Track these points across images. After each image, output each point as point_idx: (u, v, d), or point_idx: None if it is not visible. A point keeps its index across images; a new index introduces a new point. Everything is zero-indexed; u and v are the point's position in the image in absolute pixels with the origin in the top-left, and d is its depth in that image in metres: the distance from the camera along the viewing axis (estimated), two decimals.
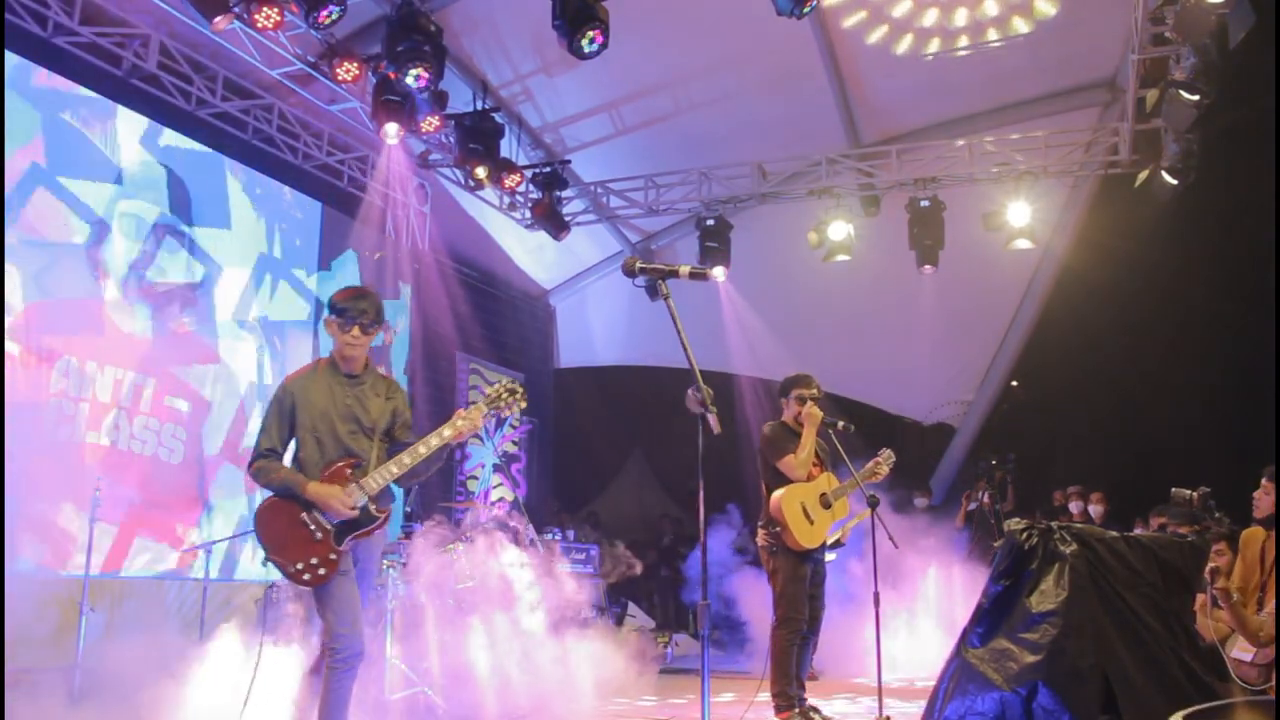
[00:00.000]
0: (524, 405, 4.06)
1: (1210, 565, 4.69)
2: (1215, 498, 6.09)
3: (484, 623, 6.18)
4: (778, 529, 5.33)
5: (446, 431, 3.89)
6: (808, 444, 5.43)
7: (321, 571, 3.75)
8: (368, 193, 9.85)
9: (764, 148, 10.33)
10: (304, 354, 8.93)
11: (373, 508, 3.87)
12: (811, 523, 5.38)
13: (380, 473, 3.88)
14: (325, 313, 4.05)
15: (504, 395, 4.02)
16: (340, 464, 3.89)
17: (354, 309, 3.95)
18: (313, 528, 3.80)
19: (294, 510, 3.82)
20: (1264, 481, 5.18)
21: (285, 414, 3.95)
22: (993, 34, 9.29)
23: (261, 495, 3.98)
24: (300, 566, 3.74)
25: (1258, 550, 5.06)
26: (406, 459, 3.89)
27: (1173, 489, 6.17)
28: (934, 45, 9.46)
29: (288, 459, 3.98)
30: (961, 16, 9.16)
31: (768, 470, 5.51)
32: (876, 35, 9.40)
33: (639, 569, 10.03)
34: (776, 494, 5.36)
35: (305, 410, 3.94)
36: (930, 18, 9.20)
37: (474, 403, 4.03)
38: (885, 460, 5.70)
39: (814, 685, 6.86)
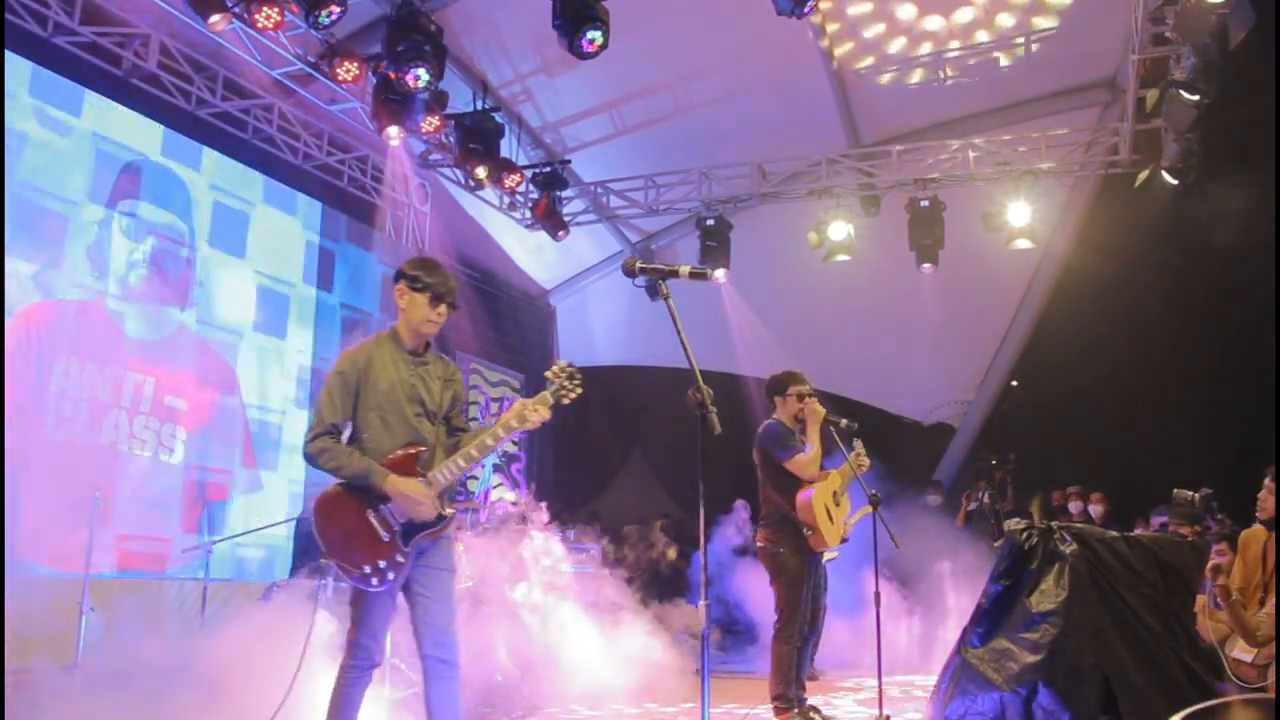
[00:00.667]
0: (580, 391, 3.66)
1: (1212, 563, 4.68)
2: (1216, 498, 6.09)
3: (488, 621, 6.17)
4: (809, 531, 5.29)
5: (513, 423, 3.56)
6: (815, 441, 5.39)
7: (391, 576, 3.45)
8: (368, 193, 9.86)
9: (764, 148, 10.33)
10: (304, 353, 8.94)
11: (442, 505, 3.55)
12: (832, 521, 5.39)
13: (449, 466, 3.56)
14: (399, 281, 3.67)
15: (565, 384, 3.64)
16: (406, 452, 3.55)
17: (443, 285, 3.64)
18: (379, 527, 3.48)
19: (357, 505, 3.49)
20: (1266, 482, 5.17)
21: (350, 390, 3.57)
22: (1019, 40, 9.34)
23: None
24: (369, 570, 3.43)
25: (1259, 551, 5.04)
26: (474, 452, 3.56)
27: (1175, 489, 6.17)
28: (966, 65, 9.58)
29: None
30: (982, 35, 9.24)
31: (773, 470, 5.45)
32: (916, 77, 9.52)
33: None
34: (804, 496, 5.29)
35: (372, 388, 3.57)
36: (954, 51, 9.30)
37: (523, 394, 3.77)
38: (862, 451, 5.64)
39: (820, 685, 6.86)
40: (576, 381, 3.64)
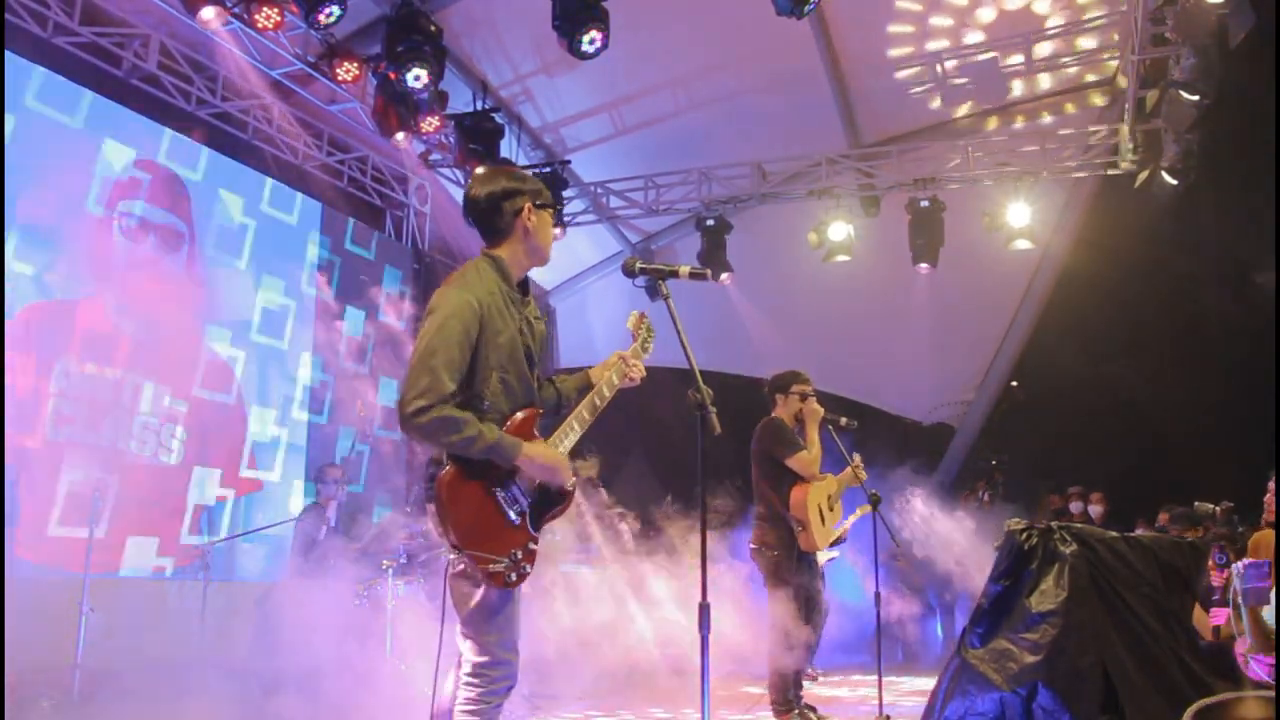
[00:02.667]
0: (654, 333, 3.37)
1: (1247, 561, 4.65)
2: (1215, 497, 6.07)
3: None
4: (800, 528, 5.30)
5: (615, 379, 3.15)
6: (816, 441, 5.42)
7: (528, 568, 2.82)
8: (368, 193, 9.86)
9: (764, 148, 10.32)
10: (303, 354, 8.93)
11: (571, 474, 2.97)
12: (824, 523, 5.39)
13: (565, 433, 3.00)
14: (516, 199, 2.98)
15: (647, 333, 3.34)
16: (524, 416, 2.91)
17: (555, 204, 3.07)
18: (508, 508, 2.83)
19: (482, 482, 2.80)
20: (1271, 485, 5.17)
21: (470, 343, 2.79)
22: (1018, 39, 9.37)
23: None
24: (507, 563, 2.77)
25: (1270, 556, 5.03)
26: (586, 414, 3.05)
27: (1195, 503, 6.12)
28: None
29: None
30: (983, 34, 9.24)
31: (773, 468, 5.44)
32: (916, 77, 9.50)
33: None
34: (798, 493, 5.31)
35: (492, 341, 2.85)
36: (954, 50, 9.31)
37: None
38: (860, 464, 5.66)
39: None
40: (648, 322, 3.38)
